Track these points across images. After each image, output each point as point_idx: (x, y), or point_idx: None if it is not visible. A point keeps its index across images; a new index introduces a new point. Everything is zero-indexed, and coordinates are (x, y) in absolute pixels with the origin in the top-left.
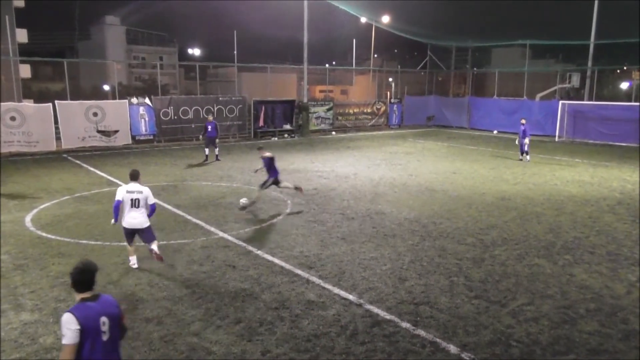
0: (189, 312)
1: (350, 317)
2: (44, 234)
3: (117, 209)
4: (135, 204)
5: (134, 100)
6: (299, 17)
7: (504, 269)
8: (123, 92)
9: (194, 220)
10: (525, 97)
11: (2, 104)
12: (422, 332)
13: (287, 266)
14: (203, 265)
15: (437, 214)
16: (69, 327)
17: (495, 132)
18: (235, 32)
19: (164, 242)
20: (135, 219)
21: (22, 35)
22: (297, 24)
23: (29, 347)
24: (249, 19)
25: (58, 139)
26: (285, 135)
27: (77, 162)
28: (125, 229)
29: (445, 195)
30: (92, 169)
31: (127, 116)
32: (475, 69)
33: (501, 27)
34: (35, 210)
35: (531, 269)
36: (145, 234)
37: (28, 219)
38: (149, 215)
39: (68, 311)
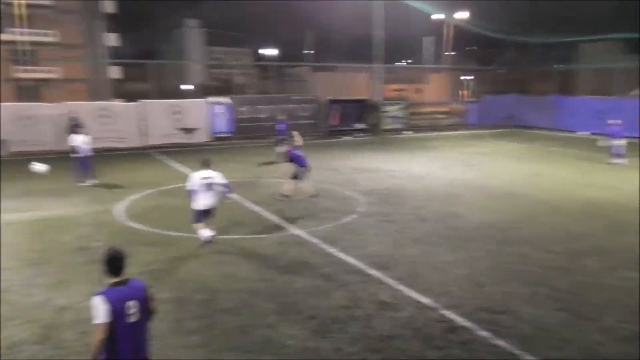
0: (264, 305)
1: (425, 321)
2: (131, 224)
3: (194, 193)
4: (208, 187)
5: (213, 99)
6: (372, 15)
7: (594, 280)
8: (202, 91)
9: (269, 216)
10: (617, 95)
11: (96, 102)
12: (501, 342)
13: (360, 265)
14: (278, 260)
15: (517, 219)
16: (100, 308)
17: (582, 133)
18: (309, 32)
19: (240, 236)
20: (209, 199)
21: (113, 39)
22: (369, 22)
23: None
24: (322, 19)
25: (143, 135)
26: (358, 134)
27: (161, 157)
28: (199, 210)
29: (526, 199)
30: (174, 164)
31: (206, 115)
32: (560, 65)
33: (589, 20)
34: (123, 202)
35: (627, 283)
36: (211, 214)
37: (117, 209)
38: (227, 191)
39: (98, 294)
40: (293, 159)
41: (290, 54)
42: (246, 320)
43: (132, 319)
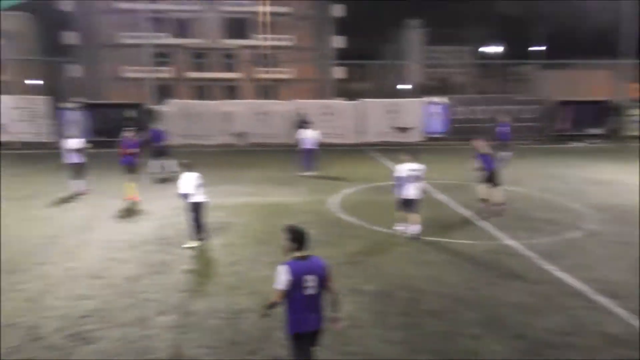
0: (468, 313)
1: None
2: (342, 216)
3: (400, 183)
4: (414, 179)
5: (429, 99)
6: (620, 3)
7: None
8: (419, 91)
9: (479, 222)
10: None
11: (320, 101)
12: None
13: (584, 289)
14: (487, 270)
15: None
16: (282, 276)
17: None
18: (538, 27)
19: (448, 240)
20: (413, 190)
21: (339, 41)
22: (617, 11)
23: None
24: (557, 10)
25: (360, 132)
26: (593, 141)
27: (374, 155)
28: (404, 199)
29: None
30: (387, 162)
31: (421, 114)
32: None
33: None
34: (337, 195)
35: None
36: (415, 205)
37: (331, 201)
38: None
39: (283, 264)
40: (483, 162)
41: (515, 51)
42: (449, 327)
43: (309, 292)
